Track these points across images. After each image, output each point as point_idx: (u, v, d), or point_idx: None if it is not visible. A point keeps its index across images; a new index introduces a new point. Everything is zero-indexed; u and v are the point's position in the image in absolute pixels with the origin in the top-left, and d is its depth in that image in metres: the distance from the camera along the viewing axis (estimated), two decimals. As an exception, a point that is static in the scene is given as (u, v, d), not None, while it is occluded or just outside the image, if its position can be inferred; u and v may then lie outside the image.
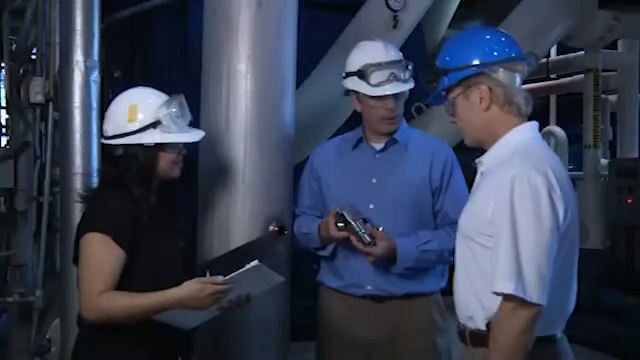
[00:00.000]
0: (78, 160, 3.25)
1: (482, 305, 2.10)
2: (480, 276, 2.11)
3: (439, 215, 2.92)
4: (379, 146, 2.96)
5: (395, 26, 4.58)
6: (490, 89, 2.17)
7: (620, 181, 6.95)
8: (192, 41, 3.90)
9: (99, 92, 3.34)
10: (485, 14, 7.35)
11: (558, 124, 9.75)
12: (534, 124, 2.22)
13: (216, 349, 2.89)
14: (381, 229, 2.80)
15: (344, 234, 2.78)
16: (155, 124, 2.34)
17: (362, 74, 2.85)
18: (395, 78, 2.84)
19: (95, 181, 3.17)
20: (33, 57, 4.23)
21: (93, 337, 2.33)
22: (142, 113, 2.34)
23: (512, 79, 2.19)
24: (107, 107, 2.45)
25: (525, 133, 2.18)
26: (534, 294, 1.96)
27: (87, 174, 3.24)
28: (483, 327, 2.10)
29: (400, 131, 2.95)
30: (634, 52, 8.00)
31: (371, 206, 2.87)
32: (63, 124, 3.36)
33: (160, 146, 2.35)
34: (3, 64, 5.08)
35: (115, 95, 2.46)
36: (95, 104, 3.30)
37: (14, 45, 4.74)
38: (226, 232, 2.86)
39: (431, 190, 2.91)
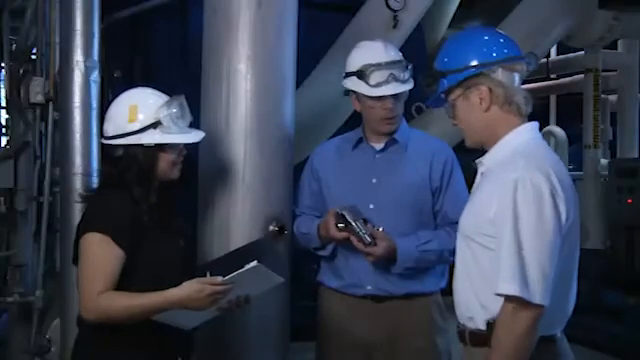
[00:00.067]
0: (78, 160, 3.24)
1: (482, 305, 2.10)
2: (480, 276, 2.11)
3: (439, 215, 2.92)
4: (379, 146, 2.96)
5: (395, 26, 4.58)
6: (490, 89, 2.17)
7: (620, 181, 6.96)
8: (192, 41, 3.90)
9: (99, 92, 3.33)
10: (485, 14, 7.34)
11: (558, 124, 9.76)
12: (534, 124, 2.22)
13: (216, 349, 2.89)
14: (381, 229, 2.79)
15: (344, 235, 2.78)
16: (155, 124, 2.34)
17: (362, 74, 2.84)
18: (394, 78, 2.84)
19: (95, 181, 3.18)
20: (33, 57, 4.22)
21: (93, 337, 2.33)
22: (142, 113, 2.35)
23: (511, 79, 2.19)
24: (107, 107, 2.45)
25: (525, 134, 2.18)
26: (537, 295, 1.96)
27: (87, 174, 3.23)
28: (483, 327, 2.10)
29: (400, 131, 2.95)
30: (634, 52, 8.01)
31: (371, 206, 2.87)
32: (63, 124, 3.35)
33: (160, 147, 2.35)
34: (3, 64, 5.07)
35: (115, 95, 2.46)
36: (95, 104, 3.29)
37: (14, 45, 4.73)
38: (226, 232, 2.86)
39: (431, 190, 2.91)
